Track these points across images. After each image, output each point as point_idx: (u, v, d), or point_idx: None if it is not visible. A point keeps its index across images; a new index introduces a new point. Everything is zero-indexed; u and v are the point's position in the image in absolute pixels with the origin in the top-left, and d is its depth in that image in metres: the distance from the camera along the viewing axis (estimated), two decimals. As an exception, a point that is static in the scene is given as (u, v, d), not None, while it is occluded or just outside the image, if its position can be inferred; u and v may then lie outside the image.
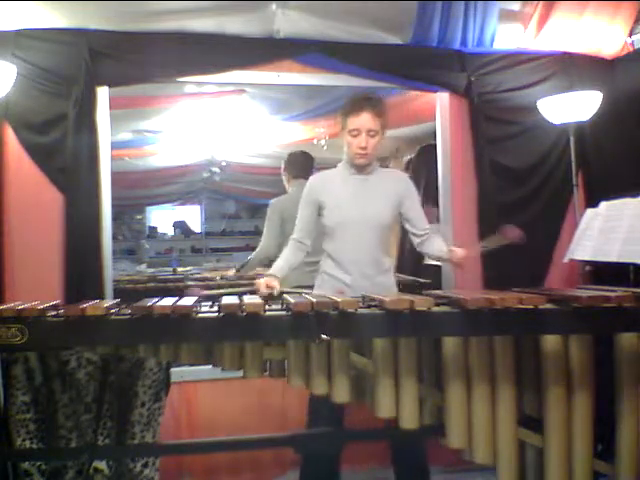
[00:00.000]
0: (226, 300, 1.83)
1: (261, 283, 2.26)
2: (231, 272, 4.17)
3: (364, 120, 2.29)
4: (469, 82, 3.15)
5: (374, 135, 2.31)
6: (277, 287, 2.25)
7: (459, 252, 2.30)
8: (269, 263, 3.59)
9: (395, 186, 2.41)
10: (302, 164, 3.44)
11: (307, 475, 2.48)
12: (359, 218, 2.33)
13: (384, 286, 2.35)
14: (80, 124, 2.74)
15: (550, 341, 1.81)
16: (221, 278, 4.60)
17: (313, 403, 2.44)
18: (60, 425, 2.36)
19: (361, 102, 2.32)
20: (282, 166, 3.53)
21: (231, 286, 4.12)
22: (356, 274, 2.33)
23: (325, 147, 4.60)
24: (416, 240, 2.44)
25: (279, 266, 2.38)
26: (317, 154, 3.63)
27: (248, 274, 3.83)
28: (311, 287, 2.50)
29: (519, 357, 1.84)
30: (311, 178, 2.51)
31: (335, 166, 2.48)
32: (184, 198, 8.25)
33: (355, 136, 2.31)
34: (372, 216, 2.33)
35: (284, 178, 3.52)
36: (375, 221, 2.34)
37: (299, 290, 2.39)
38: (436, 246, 2.42)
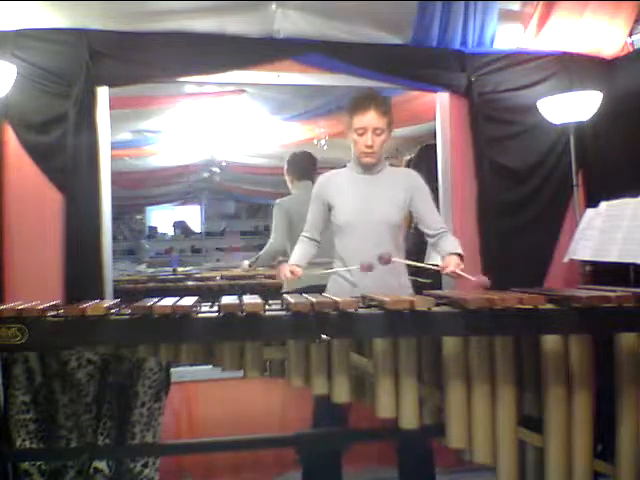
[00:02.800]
0: (226, 300, 1.83)
1: (284, 267, 2.27)
2: (245, 264, 4.18)
3: (370, 118, 2.28)
4: (469, 82, 3.15)
5: (380, 133, 2.31)
6: (300, 273, 2.28)
7: (449, 266, 2.19)
8: (276, 261, 3.62)
9: (403, 184, 2.38)
10: (305, 165, 3.42)
11: (309, 475, 2.48)
12: (367, 218, 2.31)
13: (395, 287, 2.30)
14: (80, 124, 2.74)
15: (550, 341, 1.81)
16: (221, 278, 4.62)
17: (317, 402, 2.43)
18: (60, 425, 2.37)
19: (366, 100, 2.30)
20: (285, 167, 3.50)
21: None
22: (365, 274, 2.29)
23: (325, 147, 4.60)
24: (430, 240, 2.39)
25: (297, 258, 2.38)
26: (317, 154, 3.62)
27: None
28: (319, 288, 2.47)
29: (519, 357, 1.84)
30: (320, 177, 2.51)
31: (344, 165, 2.48)
32: (184, 198, 8.26)
33: (361, 135, 2.30)
34: (380, 215, 2.32)
35: (287, 179, 3.49)
36: (383, 220, 2.32)
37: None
38: (442, 247, 2.33)
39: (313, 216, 2.45)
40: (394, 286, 2.34)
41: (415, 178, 2.44)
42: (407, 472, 2.45)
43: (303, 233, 2.46)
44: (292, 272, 2.27)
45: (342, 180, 2.41)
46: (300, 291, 2.91)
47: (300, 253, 2.43)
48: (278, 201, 3.37)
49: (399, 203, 2.35)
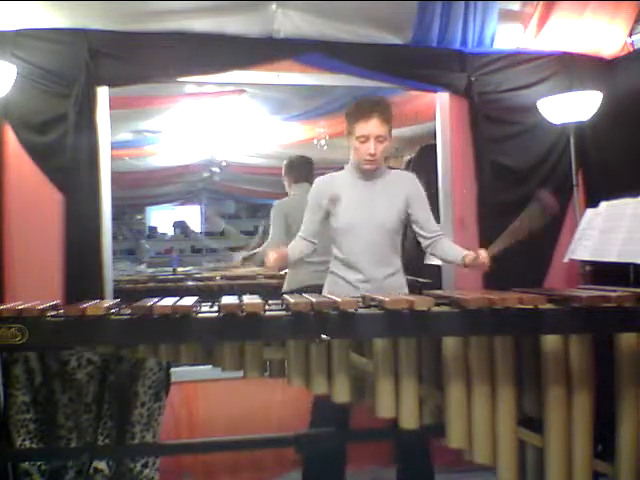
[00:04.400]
0: (226, 300, 1.83)
1: (271, 253, 2.20)
2: (239, 258, 4.22)
3: (373, 126, 2.24)
4: (469, 82, 3.15)
5: (383, 141, 2.27)
6: (286, 251, 2.23)
7: (481, 257, 2.19)
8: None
9: (402, 187, 2.36)
10: (302, 168, 3.46)
11: (310, 475, 2.47)
12: (366, 221, 2.29)
13: (392, 287, 2.30)
14: (80, 124, 2.74)
15: (550, 341, 1.81)
16: (221, 278, 4.61)
17: (317, 403, 2.42)
18: (60, 425, 2.37)
19: (370, 107, 2.25)
20: (283, 171, 3.53)
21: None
22: (365, 275, 2.30)
23: (325, 147, 4.60)
24: (425, 242, 2.38)
25: (290, 251, 2.32)
26: (317, 154, 3.64)
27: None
28: (318, 287, 2.48)
29: (519, 357, 1.84)
30: (317, 180, 2.45)
31: (342, 167, 2.45)
32: (184, 198, 8.27)
33: (363, 142, 2.26)
34: (379, 219, 2.30)
35: (285, 183, 3.53)
36: (382, 223, 2.31)
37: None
38: (447, 250, 2.34)
39: (310, 220, 2.38)
40: (396, 287, 2.34)
41: (413, 182, 2.42)
42: (405, 471, 2.45)
43: (300, 234, 2.40)
44: (278, 253, 2.20)
45: (340, 184, 2.37)
46: (300, 291, 2.93)
47: (293, 247, 2.36)
48: (276, 202, 3.41)
49: (398, 207, 2.34)
